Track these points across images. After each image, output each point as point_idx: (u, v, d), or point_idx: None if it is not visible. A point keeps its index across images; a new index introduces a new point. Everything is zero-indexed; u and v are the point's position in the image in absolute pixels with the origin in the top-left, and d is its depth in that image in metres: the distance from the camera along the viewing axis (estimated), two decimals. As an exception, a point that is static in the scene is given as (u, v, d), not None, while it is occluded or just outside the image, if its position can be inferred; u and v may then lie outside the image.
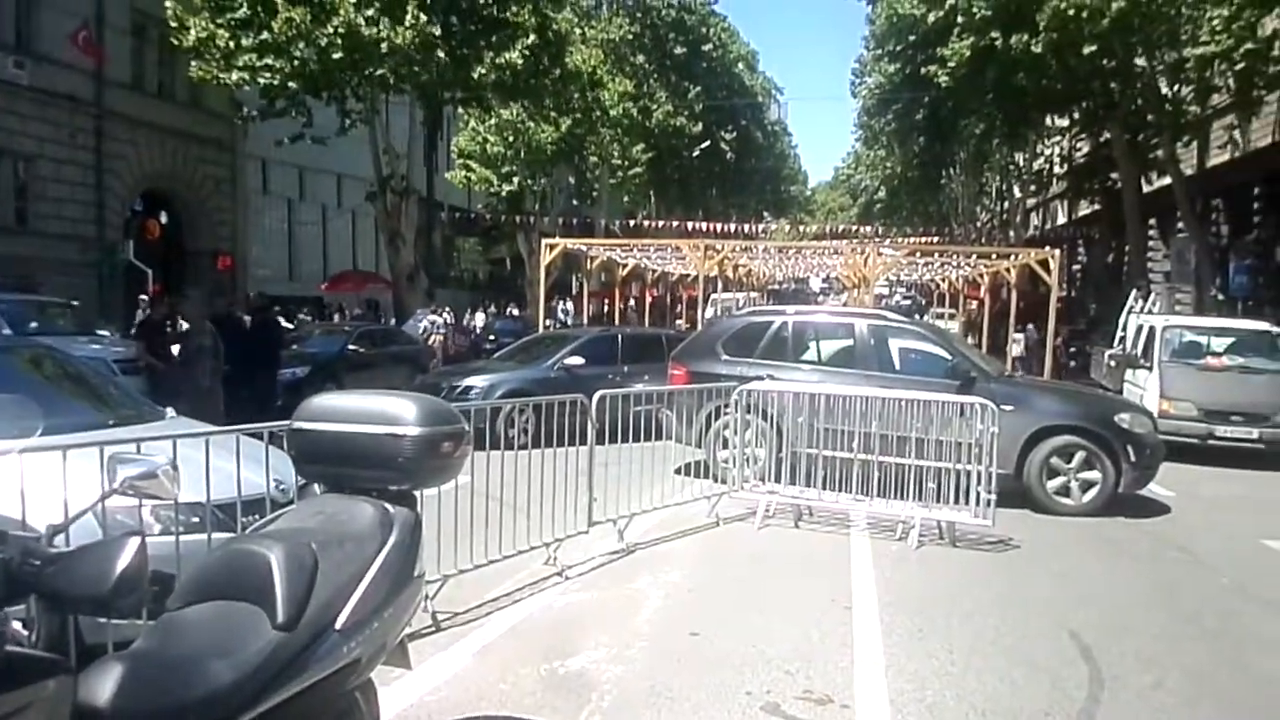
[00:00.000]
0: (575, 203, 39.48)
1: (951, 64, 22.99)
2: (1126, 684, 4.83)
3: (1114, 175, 28.60)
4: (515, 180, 33.43)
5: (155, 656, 2.13)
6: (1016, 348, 22.77)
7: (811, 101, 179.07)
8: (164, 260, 25.27)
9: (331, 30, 19.40)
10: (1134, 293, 19.41)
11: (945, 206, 51.73)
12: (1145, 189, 27.15)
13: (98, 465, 2.79)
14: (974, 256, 26.47)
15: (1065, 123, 32.33)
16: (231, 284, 27.65)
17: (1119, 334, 17.43)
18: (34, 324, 13.50)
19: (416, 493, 2.81)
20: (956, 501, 7.59)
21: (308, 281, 32.69)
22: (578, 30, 29.08)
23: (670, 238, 31.02)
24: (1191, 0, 18.05)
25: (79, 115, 23.65)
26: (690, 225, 37.73)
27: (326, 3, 19.53)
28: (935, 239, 40.58)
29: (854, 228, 51.81)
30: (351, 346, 16.57)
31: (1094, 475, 8.95)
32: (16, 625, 1.93)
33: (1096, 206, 33.42)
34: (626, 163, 36.52)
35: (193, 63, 20.81)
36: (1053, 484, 9.01)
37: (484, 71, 21.74)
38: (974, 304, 31.06)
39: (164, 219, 25.87)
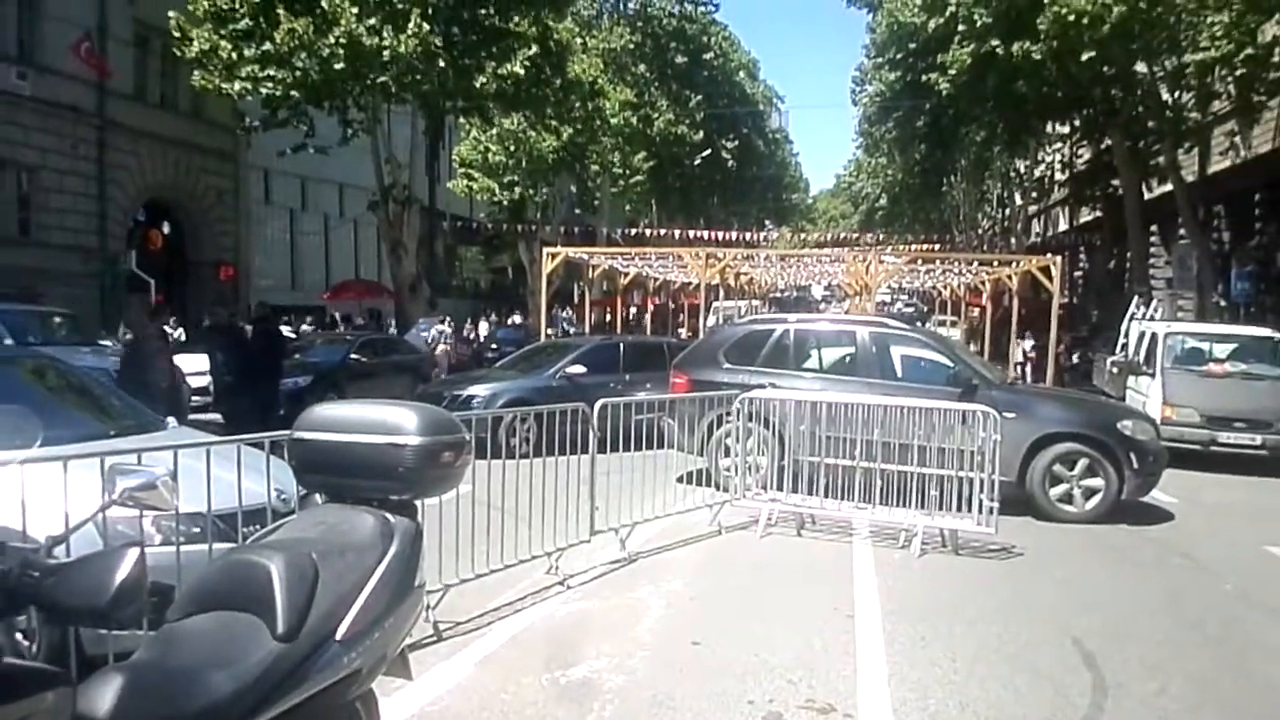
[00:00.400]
0: (577, 211, 39.53)
1: (952, 71, 23.01)
2: (1130, 691, 4.81)
3: (1115, 182, 28.59)
4: (517, 189, 33.51)
5: (155, 668, 2.13)
6: (1018, 354, 22.76)
7: (812, 109, 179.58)
8: (166, 270, 25.32)
9: (334, 40, 19.44)
10: (1136, 299, 19.39)
11: (946, 214, 51.70)
12: (1147, 195, 27.14)
13: (98, 476, 2.79)
14: (975, 263, 26.45)
15: (1066, 129, 32.36)
16: (234, 294, 27.73)
17: (1121, 340, 17.42)
18: (35, 334, 13.53)
19: (418, 502, 2.81)
20: (959, 509, 7.58)
21: (310, 291, 32.73)
22: (579, 40, 29.15)
23: (672, 246, 31.04)
24: (1191, 6, 18.05)
25: (82, 126, 23.72)
26: (692, 233, 37.77)
27: (329, 13, 19.59)
28: (937, 246, 40.47)
29: (855, 235, 51.81)
30: (354, 356, 16.57)
31: (1097, 482, 8.93)
32: (17, 636, 1.93)
33: (1098, 213, 33.40)
34: (628, 171, 36.57)
35: (195, 73, 20.89)
36: (1055, 491, 8.99)
37: (486, 81, 21.80)
38: (976, 311, 31.06)
39: (166, 229, 25.91)
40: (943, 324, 33.20)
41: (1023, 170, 41.28)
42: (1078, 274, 39.48)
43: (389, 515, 2.62)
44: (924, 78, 26.06)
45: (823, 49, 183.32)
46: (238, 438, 4.94)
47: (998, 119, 27.32)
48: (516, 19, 22.72)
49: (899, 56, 31.52)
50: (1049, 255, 22.97)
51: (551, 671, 4.84)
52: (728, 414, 8.78)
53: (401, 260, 24.37)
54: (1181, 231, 24.74)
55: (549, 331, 24.06)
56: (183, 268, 27.48)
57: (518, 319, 32.37)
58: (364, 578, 2.42)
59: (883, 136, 43.31)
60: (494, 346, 25.53)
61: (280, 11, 19.55)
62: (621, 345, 15.09)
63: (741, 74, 51.18)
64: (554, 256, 22.63)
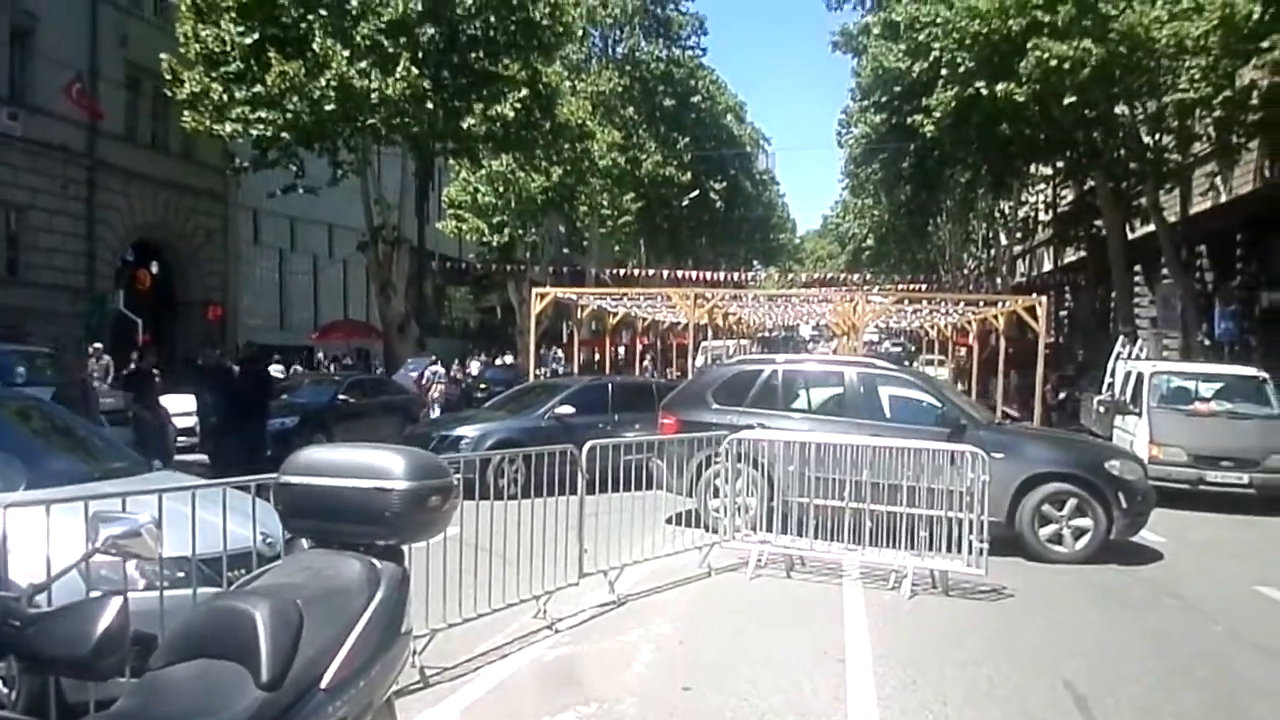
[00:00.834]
0: (566, 251, 39.68)
1: (936, 114, 23.29)
2: (1122, 735, 4.78)
3: (1098, 222, 28.92)
4: (506, 230, 33.65)
5: (138, 717, 2.10)
6: (1004, 394, 22.81)
7: (799, 151, 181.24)
8: (155, 310, 25.26)
9: (324, 83, 19.61)
10: (1121, 338, 19.52)
11: (933, 254, 52.12)
12: (1130, 235, 27.44)
13: (82, 520, 2.77)
14: (962, 304, 26.63)
15: (1049, 171, 32.72)
16: (222, 334, 27.64)
17: (1107, 380, 17.50)
18: (20, 374, 13.41)
19: (404, 547, 2.79)
20: (949, 550, 7.56)
21: (299, 331, 32.68)
22: (568, 83, 29.46)
23: (660, 286, 31.15)
24: (1170, 51, 18.36)
25: (72, 166, 23.78)
26: (680, 274, 37.92)
27: (319, 56, 19.77)
28: (923, 286, 40.77)
29: (842, 275, 52.11)
30: (341, 396, 16.54)
31: (1086, 522, 8.92)
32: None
33: (1082, 253, 33.73)
34: (616, 212, 36.81)
35: (186, 114, 21.00)
36: (1045, 531, 8.98)
37: (475, 123, 22.01)
38: (963, 351, 31.18)
39: (155, 269, 25.87)
40: (930, 363, 33.30)
41: (1007, 211, 41.72)
42: (1063, 313, 39.77)
43: (375, 560, 2.60)
44: (909, 120, 26.36)
45: (809, 92, 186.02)
46: (223, 481, 4.91)
47: (982, 161, 27.64)
48: (506, 62, 22.97)
49: (884, 99, 31.87)
50: (1034, 295, 23.17)
51: (539, 719, 4.78)
52: (716, 455, 8.76)
53: (390, 300, 24.40)
54: (1165, 271, 24.99)
55: (538, 371, 24.05)
56: (171, 307, 27.40)
57: (509, 359, 32.35)
58: (350, 624, 2.39)
59: (869, 177, 43.75)
60: (483, 386, 25.49)
61: (271, 54, 19.73)
62: (610, 386, 15.09)
63: (729, 116, 51.79)
64: (543, 297, 22.69)
